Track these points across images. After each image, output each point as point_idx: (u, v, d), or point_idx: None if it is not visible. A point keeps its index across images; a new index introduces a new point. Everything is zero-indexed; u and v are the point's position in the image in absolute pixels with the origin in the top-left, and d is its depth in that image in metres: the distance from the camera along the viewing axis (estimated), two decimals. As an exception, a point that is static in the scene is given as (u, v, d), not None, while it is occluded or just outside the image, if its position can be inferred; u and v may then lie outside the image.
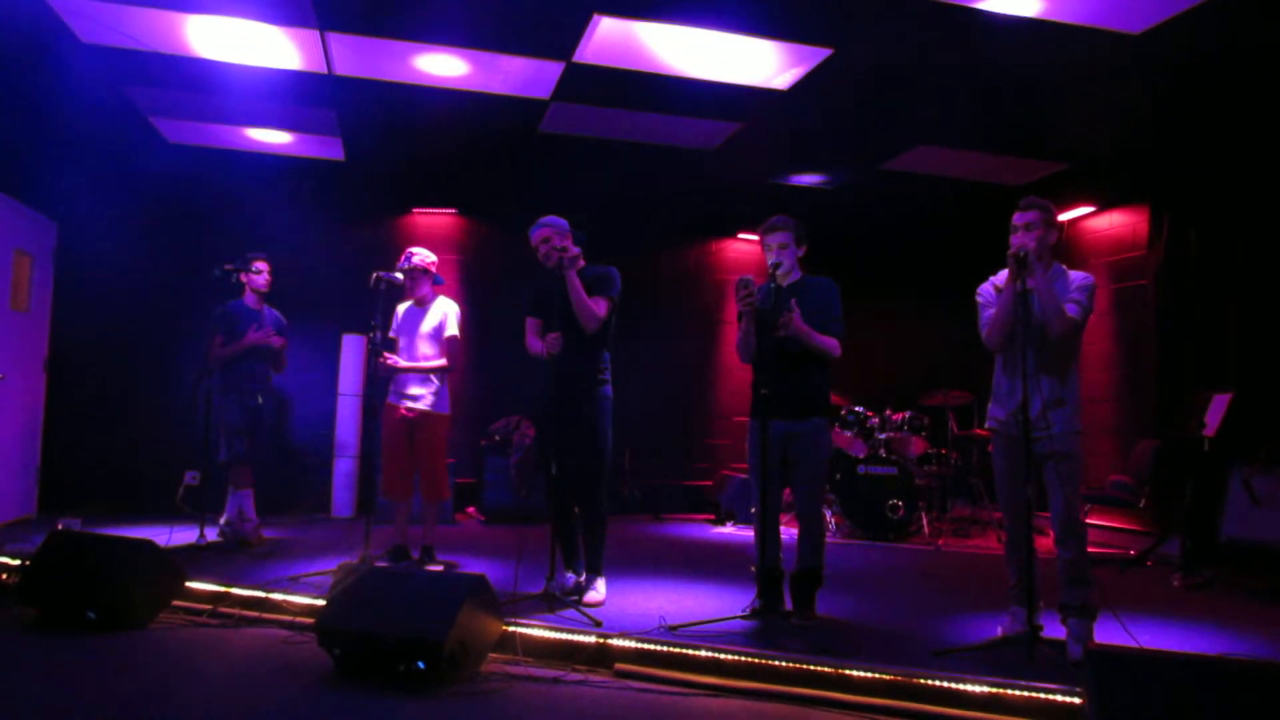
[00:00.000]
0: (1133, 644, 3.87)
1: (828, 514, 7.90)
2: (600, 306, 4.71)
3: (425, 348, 5.59)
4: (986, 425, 4.41)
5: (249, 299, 6.31)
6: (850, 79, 5.95)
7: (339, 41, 5.64)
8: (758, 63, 5.79)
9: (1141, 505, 6.76)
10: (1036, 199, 4.19)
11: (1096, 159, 7.43)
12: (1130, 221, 8.08)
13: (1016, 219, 4.16)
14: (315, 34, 5.54)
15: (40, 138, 7.06)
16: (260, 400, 6.25)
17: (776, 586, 4.51)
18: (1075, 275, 4.15)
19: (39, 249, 7.55)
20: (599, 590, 4.76)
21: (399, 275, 5.44)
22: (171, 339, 8.04)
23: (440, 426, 5.61)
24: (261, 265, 6.27)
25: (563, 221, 4.88)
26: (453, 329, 5.63)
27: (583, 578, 4.87)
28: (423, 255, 5.65)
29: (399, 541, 5.59)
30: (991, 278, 4.34)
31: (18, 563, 5.02)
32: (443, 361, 5.59)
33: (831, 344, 4.45)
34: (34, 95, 6.43)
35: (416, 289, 5.60)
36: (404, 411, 5.55)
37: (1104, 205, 8.33)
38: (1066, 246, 8.64)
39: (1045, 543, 4.12)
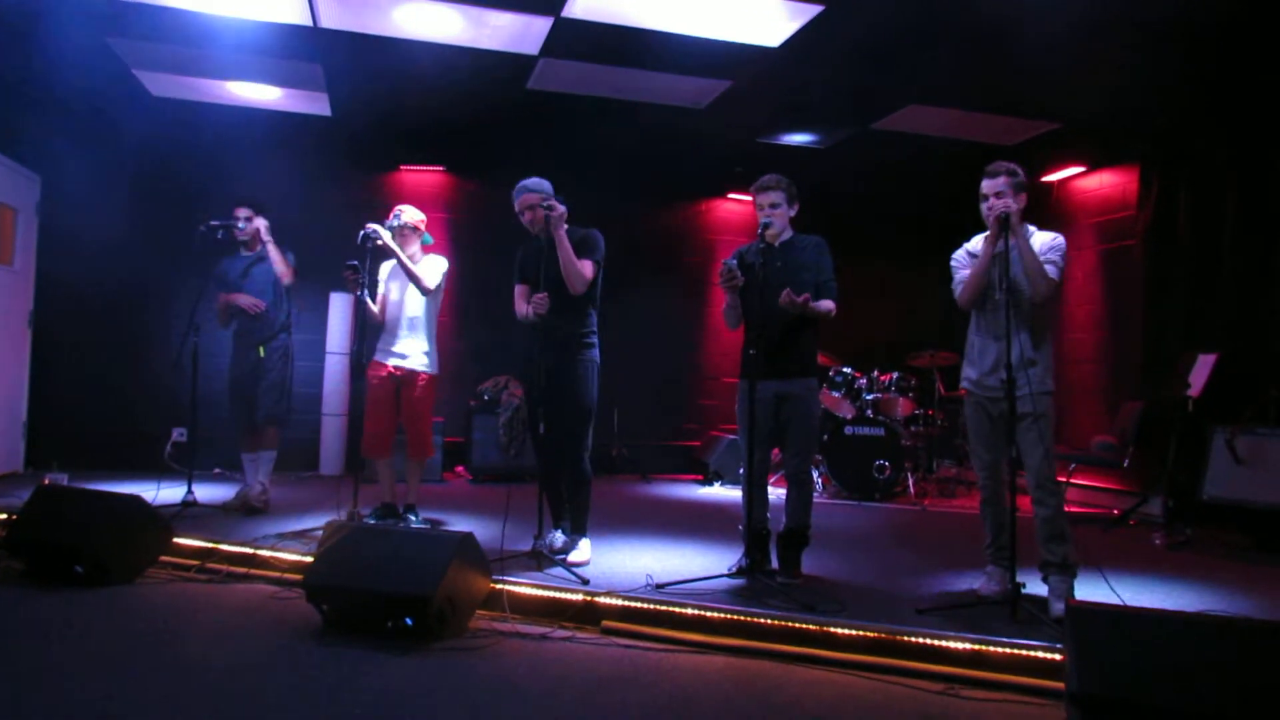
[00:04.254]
0: (1115, 601, 3.93)
1: (815, 474, 7.94)
2: (587, 268, 4.69)
3: (413, 307, 5.54)
4: (961, 385, 4.44)
5: (242, 250, 6.16)
6: (842, 37, 5.88)
7: (324, -7, 5.55)
8: (749, 19, 5.72)
9: (1125, 465, 6.83)
10: (1004, 163, 4.15)
11: (1088, 118, 7.39)
12: (1120, 182, 8.06)
13: (986, 186, 4.13)
14: (300, -15, 5.44)
15: (22, 89, 6.92)
16: (261, 354, 5.98)
17: (763, 546, 4.55)
18: (1043, 236, 4.16)
19: (22, 202, 7.47)
20: (583, 550, 4.77)
21: (384, 231, 5.35)
22: (158, 293, 7.98)
23: (428, 386, 5.57)
24: (239, 212, 6.06)
25: (546, 184, 4.84)
26: (435, 279, 5.49)
27: (568, 536, 4.89)
28: (411, 213, 5.55)
29: (386, 500, 5.58)
30: (965, 244, 4.36)
31: (4, 517, 5.03)
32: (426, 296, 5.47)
33: (829, 307, 4.47)
34: (15, 46, 6.30)
35: (405, 247, 5.47)
36: (391, 369, 5.52)
37: (1094, 165, 8.31)
38: (1056, 206, 8.63)
39: (1022, 501, 4.18)
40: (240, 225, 6.03)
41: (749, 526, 4.48)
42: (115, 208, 7.74)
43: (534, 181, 4.83)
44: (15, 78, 6.76)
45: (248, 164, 7.74)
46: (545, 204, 4.62)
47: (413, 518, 5.53)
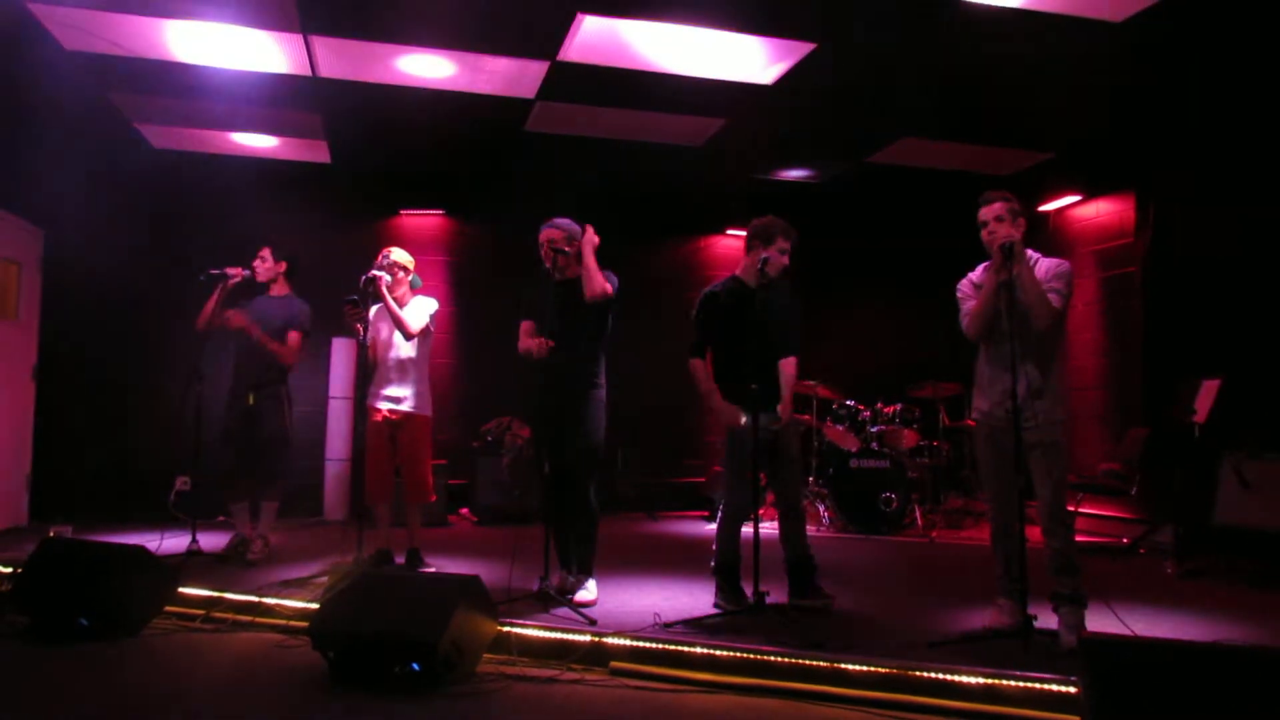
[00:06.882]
0: (1127, 632, 3.89)
1: (820, 508, 7.92)
2: (609, 285, 4.72)
3: (403, 349, 5.50)
4: (972, 416, 4.43)
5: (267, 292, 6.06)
6: (834, 73, 5.96)
7: (323, 44, 5.62)
8: (742, 58, 5.79)
9: (1133, 493, 6.78)
10: (995, 191, 4.17)
11: (1082, 148, 7.46)
12: (1117, 209, 8.10)
13: (983, 213, 4.13)
14: (299, 38, 5.52)
15: (26, 145, 7.00)
16: (252, 401, 5.81)
17: (734, 578, 4.61)
18: (1048, 263, 4.15)
19: (26, 256, 7.51)
20: (590, 590, 4.74)
21: (386, 276, 5.37)
22: (160, 344, 7.98)
23: (423, 428, 5.54)
24: (263, 252, 6.04)
25: (575, 226, 4.89)
26: (420, 323, 5.45)
27: (575, 577, 4.85)
28: (399, 254, 5.54)
29: (381, 545, 5.47)
30: (969, 274, 4.36)
31: (9, 570, 5.00)
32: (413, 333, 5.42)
33: (791, 373, 4.74)
34: (19, 102, 6.40)
35: (393, 289, 5.44)
36: (386, 414, 5.48)
37: (1091, 194, 8.35)
38: (1054, 236, 8.66)
39: (1032, 532, 4.15)
40: (247, 272, 6.01)
41: (724, 563, 4.57)
42: (118, 259, 7.78)
43: (564, 220, 4.89)
44: (20, 134, 6.83)
45: (249, 212, 7.77)
46: (555, 246, 4.74)
47: (415, 563, 5.48)
